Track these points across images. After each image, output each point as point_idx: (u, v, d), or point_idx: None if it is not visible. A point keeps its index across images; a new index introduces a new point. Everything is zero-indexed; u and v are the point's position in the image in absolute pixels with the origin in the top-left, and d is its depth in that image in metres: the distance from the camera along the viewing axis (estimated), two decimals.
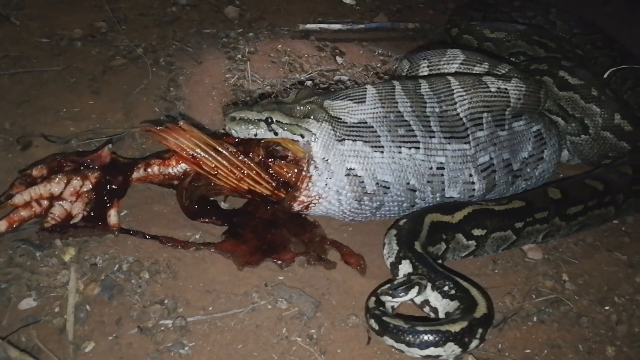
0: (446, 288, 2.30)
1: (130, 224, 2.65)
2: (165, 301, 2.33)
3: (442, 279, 2.32)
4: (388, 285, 2.34)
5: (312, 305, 2.37)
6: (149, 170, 2.71)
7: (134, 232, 2.58)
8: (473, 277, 2.61)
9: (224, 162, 2.60)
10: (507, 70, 2.98)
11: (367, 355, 2.23)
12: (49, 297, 2.30)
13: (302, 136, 2.58)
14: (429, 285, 2.31)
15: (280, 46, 4.33)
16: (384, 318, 2.20)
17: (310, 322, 2.33)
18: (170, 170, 2.71)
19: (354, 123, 2.63)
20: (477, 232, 2.61)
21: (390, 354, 2.23)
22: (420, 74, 3.10)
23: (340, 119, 2.62)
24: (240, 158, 2.61)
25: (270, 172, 2.64)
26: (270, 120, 2.57)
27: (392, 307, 2.34)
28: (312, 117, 2.59)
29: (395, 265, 2.44)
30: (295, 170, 2.62)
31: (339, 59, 4.28)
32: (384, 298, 2.29)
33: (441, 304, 2.31)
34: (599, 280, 2.69)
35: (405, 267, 2.40)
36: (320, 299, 2.42)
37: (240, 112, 2.59)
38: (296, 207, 2.64)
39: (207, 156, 2.59)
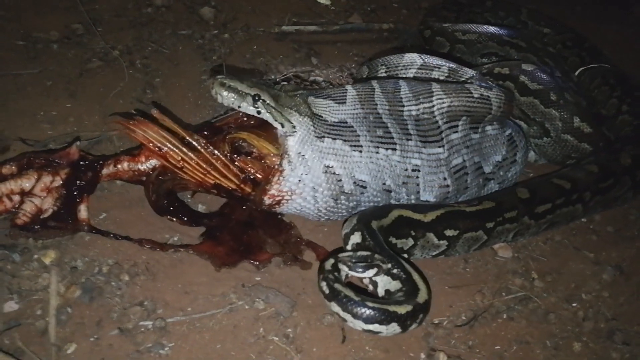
0: (389, 266, 2.38)
1: (108, 227, 2.67)
2: (145, 303, 2.36)
3: (387, 257, 2.40)
4: (350, 254, 2.40)
5: (289, 305, 2.42)
6: (119, 166, 2.75)
7: (112, 235, 2.60)
8: (444, 276, 2.70)
9: (191, 154, 2.64)
10: (469, 75, 3.04)
11: (341, 353, 2.28)
12: (30, 300, 2.32)
13: (282, 125, 2.62)
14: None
15: (255, 47, 4.33)
16: (336, 285, 2.28)
17: (287, 322, 2.38)
18: (139, 166, 2.75)
19: (334, 122, 2.67)
20: (449, 232, 2.67)
21: (364, 351, 2.29)
22: None
23: (322, 116, 2.66)
24: (208, 150, 2.65)
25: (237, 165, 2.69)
26: (257, 98, 2.61)
27: (346, 275, 2.42)
28: (295, 110, 2.63)
29: (347, 236, 2.55)
30: (260, 167, 2.67)
31: (314, 60, 4.30)
32: (341, 266, 2.36)
33: (382, 280, 2.40)
34: (566, 277, 2.77)
35: (355, 238, 2.52)
36: (297, 298, 2.47)
37: (230, 80, 2.63)
38: (267, 200, 2.67)
39: (174, 148, 2.63)
